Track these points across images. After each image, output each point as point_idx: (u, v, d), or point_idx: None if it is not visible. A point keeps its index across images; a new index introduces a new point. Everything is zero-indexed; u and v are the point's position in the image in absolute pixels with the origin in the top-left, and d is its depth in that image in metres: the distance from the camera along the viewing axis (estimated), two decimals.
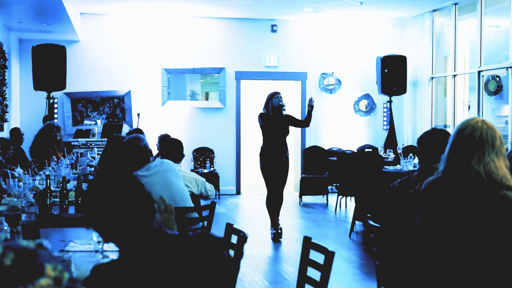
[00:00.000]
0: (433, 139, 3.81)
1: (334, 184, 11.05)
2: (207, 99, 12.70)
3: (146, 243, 2.11)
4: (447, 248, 2.92)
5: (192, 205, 5.17)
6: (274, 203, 8.24)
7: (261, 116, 8.12)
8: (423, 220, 3.10)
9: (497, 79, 12.69)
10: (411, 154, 9.17)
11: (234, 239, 3.75)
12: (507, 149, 4.56)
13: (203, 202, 5.77)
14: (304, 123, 8.52)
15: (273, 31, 12.51)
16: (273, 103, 8.00)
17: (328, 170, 11.47)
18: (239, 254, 3.53)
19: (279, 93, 8.12)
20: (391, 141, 11.63)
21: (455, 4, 10.75)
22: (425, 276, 3.03)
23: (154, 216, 2.20)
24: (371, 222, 3.79)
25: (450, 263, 2.90)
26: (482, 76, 10.34)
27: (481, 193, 2.84)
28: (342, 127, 12.77)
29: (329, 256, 3.13)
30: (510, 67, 9.36)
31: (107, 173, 2.31)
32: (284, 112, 7.99)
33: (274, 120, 8.03)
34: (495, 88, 13.51)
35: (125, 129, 11.22)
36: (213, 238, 2.19)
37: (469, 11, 10.58)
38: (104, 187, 2.17)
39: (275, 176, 8.15)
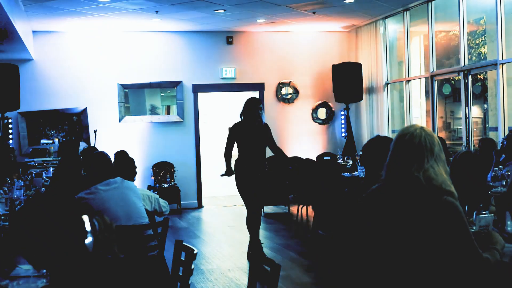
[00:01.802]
0: (377, 147, 3.83)
1: (294, 194, 11.07)
2: (168, 112, 12.62)
3: (78, 269, 2.07)
4: (389, 255, 2.93)
5: (148, 222, 5.13)
6: (254, 222, 7.61)
7: (235, 126, 7.56)
8: (366, 228, 3.11)
9: (453, 82, 12.89)
10: None
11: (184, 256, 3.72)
12: (456, 152, 4.61)
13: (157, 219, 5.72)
14: (277, 151, 7.74)
15: (229, 43, 12.53)
16: (252, 113, 7.49)
17: (288, 179, 11.49)
18: (188, 271, 3.50)
19: (261, 103, 7.66)
20: (349, 148, 11.73)
21: (406, 10, 10.90)
22: (370, 282, 3.04)
23: (86, 242, 2.15)
24: (320, 231, 3.80)
25: (392, 271, 2.91)
26: (436, 80, 10.48)
27: (422, 200, 2.86)
28: (301, 136, 12.82)
29: (275, 269, 3.10)
30: (462, 70, 9.52)
31: (41, 196, 2.26)
32: (264, 121, 7.52)
33: (250, 129, 7.46)
34: (450, 91, 13.71)
35: (82, 146, 11.07)
36: (148, 259, 2.16)
37: (420, 17, 10.74)
38: (33, 211, 2.12)
39: (250, 193, 7.52)
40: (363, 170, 9.07)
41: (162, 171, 12.00)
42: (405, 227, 2.89)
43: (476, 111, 14.28)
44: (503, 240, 3.27)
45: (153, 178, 11.87)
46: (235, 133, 7.55)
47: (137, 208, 5.01)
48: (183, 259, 3.67)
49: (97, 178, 4.99)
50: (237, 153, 7.62)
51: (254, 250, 7.49)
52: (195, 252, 3.57)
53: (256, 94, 12.69)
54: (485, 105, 11.96)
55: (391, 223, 2.93)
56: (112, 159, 7.10)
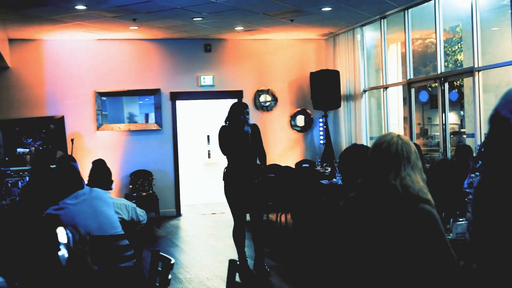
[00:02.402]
0: (353, 155, 3.83)
1: (273, 201, 11.05)
2: (147, 120, 12.55)
3: (51, 282, 2.03)
4: (366, 264, 2.93)
5: (123, 232, 5.06)
6: (241, 235, 7.23)
7: (222, 131, 7.18)
8: (345, 236, 3.11)
9: (429, 89, 13.00)
10: None
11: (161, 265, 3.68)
12: (433, 159, 4.63)
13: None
14: (260, 153, 7.49)
15: (207, 50, 12.50)
16: (237, 118, 7.12)
17: (266, 187, 11.45)
18: (165, 281, 3.46)
19: (247, 107, 7.20)
20: (327, 155, 11.75)
21: (383, 18, 10.97)
22: None
23: (59, 254, 2.11)
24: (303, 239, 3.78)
25: (369, 279, 2.91)
26: (413, 87, 10.55)
27: (399, 208, 2.86)
28: (280, 144, 12.83)
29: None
30: (439, 77, 9.59)
31: (13, 207, 2.22)
32: (249, 124, 7.12)
33: (237, 135, 7.07)
34: (428, 98, 13.81)
35: (59, 155, 10.96)
36: (122, 271, 2.12)
37: (397, 24, 10.82)
38: (4, 223, 2.08)
39: (239, 203, 7.13)
40: (340, 177, 9.10)
41: (140, 179, 11.91)
42: (382, 235, 2.89)
43: (452, 118, 14.42)
44: None
45: (131, 186, 11.78)
46: (224, 136, 7.18)
47: (108, 218, 4.92)
48: (160, 269, 3.63)
49: (66, 191, 4.90)
50: (226, 161, 7.34)
51: (241, 264, 7.08)
52: (172, 262, 3.53)
53: (234, 102, 12.66)
54: (462, 112, 12.06)
55: (368, 231, 2.93)
56: (90, 168, 7.04)
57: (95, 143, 11.86)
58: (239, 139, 7.10)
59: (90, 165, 8.19)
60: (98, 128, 11.95)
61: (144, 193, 11.49)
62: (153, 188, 11.92)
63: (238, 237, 7.23)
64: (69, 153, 11.16)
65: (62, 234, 2.23)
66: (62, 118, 11.76)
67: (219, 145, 7.25)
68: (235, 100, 12.65)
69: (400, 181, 2.89)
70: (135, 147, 12.15)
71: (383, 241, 2.88)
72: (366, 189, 3.00)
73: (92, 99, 11.93)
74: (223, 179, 7.27)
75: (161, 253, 3.81)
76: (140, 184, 11.79)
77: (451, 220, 3.57)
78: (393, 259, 2.87)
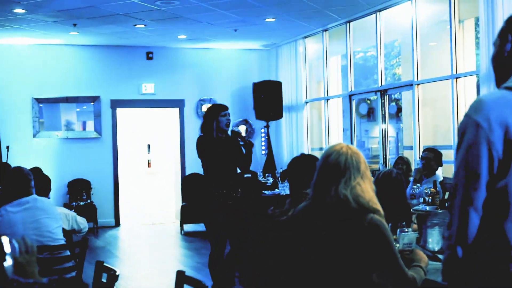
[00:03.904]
0: (301, 165, 3.84)
1: None
2: (84, 128, 12.29)
3: None
4: (319, 273, 2.92)
5: (64, 243, 4.91)
6: (218, 263, 6.30)
7: (201, 141, 6.10)
8: (295, 246, 3.09)
9: (369, 102, 13.24)
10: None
11: (105, 277, 3.58)
12: (377, 170, 4.69)
13: (76, 238, 5.51)
14: (246, 158, 6.37)
15: (149, 58, 12.36)
16: (220, 123, 6.10)
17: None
18: None
19: (226, 109, 6.17)
20: (269, 165, 11.77)
21: (325, 30, 11.11)
22: None
23: (4, 265, 2.01)
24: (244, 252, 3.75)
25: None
26: (353, 99, 10.71)
27: (349, 217, 2.87)
28: None
29: None
30: (378, 90, 9.77)
31: None
32: (229, 131, 6.19)
33: (220, 144, 6.09)
34: (367, 110, 14.07)
35: None
36: (72, 283, 2.04)
37: (339, 37, 10.96)
38: None
39: (221, 226, 6.15)
40: (284, 188, 9.12)
41: (78, 188, 11.63)
42: (333, 245, 2.89)
43: (390, 130, 14.73)
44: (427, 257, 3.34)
45: (68, 195, 11.50)
46: (203, 148, 6.13)
47: (48, 230, 4.76)
48: (104, 280, 3.53)
49: (9, 197, 4.74)
50: (204, 176, 6.37)
51: None
52: (117, 273, 3.44)
53: (176, 111, 12.58)
54: (400, 124, 12.32)
55: (320, 241, 2.93)
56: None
57: (31, 151, 11.52)
58: (229, 150, 6.16)
59: None
60: (34, 135, 11.62)
61: (82, 203, 11.22)
62: (92, 198, 11.66)
63: (216, 265, 6.33)
64: (4, 160, 10.79)
65: (7, 244, 2.13)
66: None
67: (205, 158, 6.14)
68: (177, 110, 12.55)
69: (351, 191, 2.90)
70: (73, 155, 11.87)
71: (333, 250, 2.89)
72: (316, 199, 3.00)
73: (29, 106, 11.60)
74: (208, 199, 6.16)
75: (105, 264, 3.71)
76: (78, 194, 11.51)
77: (398, 230, 3.61)
78: (342, 269, 2.87)
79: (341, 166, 2.95)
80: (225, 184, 6.12)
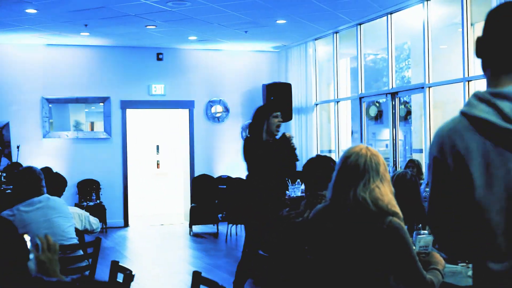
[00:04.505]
0: (317, 166, 3.83)
1: (224, 213, 11.01)
2: (92, 129, 12.32)
3: None
4: (336, 275, 2.91)
5: (77, 242, 4.92)
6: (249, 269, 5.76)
7: (249, 144, 5.58)
8: (313, 248, 3.09)
9: (377, 104, 13.22)
10: (298, 180, 9.26)
11: (120, 277, 3.58)
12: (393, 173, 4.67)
13: (88, 238, 5.52)
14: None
15: (159, 59, 12.38)
16: (271, 125, 5.66)
17: (218, 198, 11.41)
18: None
19: (276, 111, 5.73)
20: None
21: (336, 32, 11.09)
22: None
23: (28, 263, 2.01)
24: (261, 252, 3.74)
25: None
26: (363, 102, 10.69)
27: (368, 220, 2.86)
28: (231, 155, 12.76)
29: None
30: (389, 93, 9.74)
31: None
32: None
33: (269, 148, 5.61)
34: (376, 113, 14.05)
35: (4, 163, 10.64)
36: (95, 283, 2.04)
37: (349, 40, 10.95)
38: None
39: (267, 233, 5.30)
40: (294, 189, 9.10)
41: (88, 188, 11.65)
42: (351, 248, 2.88)
43: (399, 133, 14.68)
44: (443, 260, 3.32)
45: (78, 196, 11.52)
46: (251, 151, 5.64)
47: (61, 229, 4.77)
48: (119, 280, 3.53)
49: (21, 197, 4.75)
50: (248, 180, 5.89)
51: None
52: (133, 273, 3.44)
53: (185, 112, 12.58)
54: (411, 127, 12.28)
55: (337, 244, 2.92)
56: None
57: (41, 151, 11.54)
58: (280, 155, 5.67)
59: None
60: (44, 135, 11.64)
61: (91, 203, 11.24)
62: (101, 198, 11.68)
63: (246, 270, 5.92)
64: (15, 160, 10.83)
65: (29, 242, 2.13)
66: (7, 124, 11.41)
67: (253, 162, 5.64)
68: (187, 111, 12.55)
69: (370, 193, 2.89)
70: (82, 155, 11.89)
71: (352, 253, 2.88)
72: (335, 201, 2.99)
73: (39, 106, 11.63)
74: (251, 209, 5.72)
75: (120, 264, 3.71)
76: (88, 194, 11.53)
77: (414, 233, 3.59)
78: (361, 271, 2.86)
79: (360, 168, 2.94)
80: (274, 191, 5.62)
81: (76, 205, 10.94)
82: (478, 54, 1.93)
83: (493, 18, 1.88)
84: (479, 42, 1.92)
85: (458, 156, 1.82)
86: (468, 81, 8.04)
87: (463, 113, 1.85)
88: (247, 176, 5.80)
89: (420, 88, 9.11)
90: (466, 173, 1.81)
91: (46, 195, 4.84)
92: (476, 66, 8.83)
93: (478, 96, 1.85)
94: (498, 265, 1.81)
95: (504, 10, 1.86)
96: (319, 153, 11.91)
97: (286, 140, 5.72)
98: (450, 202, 1.86)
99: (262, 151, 5.52)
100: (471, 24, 8.38)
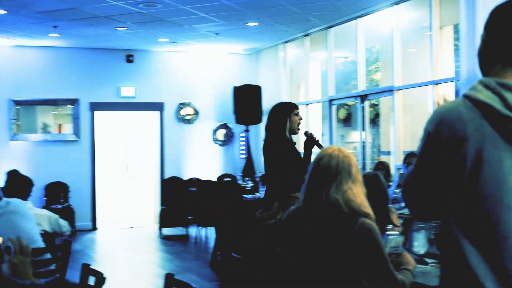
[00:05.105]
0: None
1: (194, 215, 10.97)
2: (60, 131, 12.18)
3: None
4: (310, 276, 2.93)
5: (43, 245, 4.84)
6: None
7: (283, 142, 5.13)
8: (287, 249, 3.10)
9: (347, 107, 13.31)
10: None
11: (92, 280, 3.55)
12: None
13: (57, 241, 5.45)
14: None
15: (129, 61, 12.29)
16: (292, 123, 5.25)
17: (188, 200, 11.38)
18: None
19: (296, 108, 5.32)
20: (249, 169, 11.78)
21: (306, 35, 11.15)
22: None
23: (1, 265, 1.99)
24: (234, 254, 3.75)
25: None
26: (333, 104, 10.76)
27: (341, 221, 2.88)
28: (201, 157, 12.75)
29: None
30: (359, 95, 9.83)
31: None
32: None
33: (287, 149, 5.18)
34: (345, 115, 14.15)
35: None
36: (69, 285, 2.03)
37: (320, 43, 11.02)
38: None
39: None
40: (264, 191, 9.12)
41: (56, 191, 11.51)
42: (324, 249, 2.90)
43: (367, 136, 14.79)
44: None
45: (45, 198, 11.37)
46: (284, 150, 5.17)
47: (26, 232, 4.68)
48: (91, 284, 3.50)
49: None
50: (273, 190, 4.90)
51: None
52: (104, 276, 3.41)
53: (156, 114, 12.52)
54: (380, 129, 12.39)
55: (311, 245, 2.94)
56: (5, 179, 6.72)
57: (8, 154, 11.37)
58: (292, 156, 5.20)
59: (4, 176, 7.87)
60: (12, 138, 11.48)
61: (59, 206, 11.11)
62: (69, 201, 11.55)
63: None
64: None
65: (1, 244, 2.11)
66: None
67: (282, 164, 5.08)
68: (157, 113, 12.49)
69: (342, 195, 2.91)
70: (51, 158, 11.75)
71: (324, 254, 2.90)
72: (307, 202, 3.01)
73: (6, 108, 11.46)
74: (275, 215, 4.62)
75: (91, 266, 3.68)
76: (56, 197, 11.39)
77: (385, 234, 3.63)
78: (333, 273, 2.89)
79: (333, 169, 2.96)
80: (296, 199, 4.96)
81: (44, 208, 10.80)
82: (485, 49, 1.98)
83: (502, 15, 1.94)
84: (488, 36, 1.97)
85: (454, 136, 1.86)
86: (436, 84, 8.15)
87: (466, 96, 1.90)
88: (272, 178, 5.12)
89: (389, 91, 9.20)
90: (458, 154, 1.85)
91: (5, 200, 4.71)
92: (444, 69, 8.96)
93: (484, 83, 1.90)
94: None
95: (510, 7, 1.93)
96: None
97: (312, 138, 5.34)
98: (433, 177, 1.91)
99: (293, 150, 5.18)
100: (440, 28, 8.50)
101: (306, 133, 5.29)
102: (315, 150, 4.52)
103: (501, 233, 1.83)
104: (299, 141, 6.99)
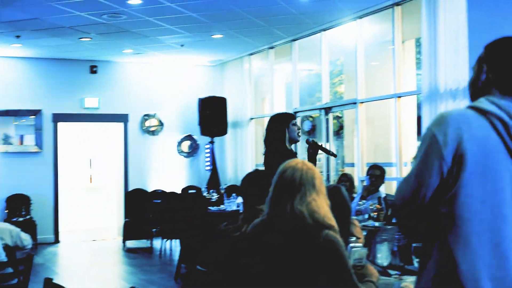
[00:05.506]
0: (255, 181, 3.84)
1: (158, 227, 10.89)
2: (22, 142, 11.99)
3: None
4: None
5: (6, 259, 4.78)
6: None
7: (283, 153, 4.93)
8: (251, 261, 3.10)
9: (311, 119, 13.40)
10: (234, 194, 9.30)
11: None
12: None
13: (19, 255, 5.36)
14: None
15: (93, 72, 12.19)
16: (292, 133, 5.14)
17: (152, 213, 11.29)
18: None
19: (294, 119, 5.26)
20: (214, 181, 11.76)
21: (271, 48, 11.22)
22: None
23: None
24: (198, 267, 3.73)
25: None
26: (298, 116, 10.82)
27: (305, 233, 2.90)
28: (166, 169, 12.68)
29: None
30: (323, 108, 9.91)
31: None
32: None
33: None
34: (310, 128, 14.24)
35: None
36: None
37: (284, 55, 11.09)
38: None
39: None
40: (230, 204, 9.12)
41: (17, 204, 11.31)
42: (288, 261, 2.91)
43: (331, 148, 14.91)
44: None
45: (6, 211, 11.17)
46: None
47: None
48: None
49: None
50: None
51: None
52: None
53: (120, 126, 12.43)
54: (344, 141, 12.51)
55: (276, 257, 2.94)
56: None
57: None
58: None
59: None
60: None
61: (21, 219, 10.92)
62: (31, 213, 11.37)
63: None
64: None
65: None
66: None
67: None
68: (121, 124, 12.39)
69: (306, 206, 2.93)
70: (12, 170, 11.55)
71: (288, 266, 2.91)
72: (272, 214, 3.02)
73: None
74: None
75: (54, 281, 3.63)
76: (17, 209, 11.19)
77: (349, 246, 3.66)
78: (297, 285, 2.89)
79: (296, 182, 2.98)
80: None
81: (5, 221, 10.60)
82: (480, 80, 2.12)
83: (498, 51, 2.11)
84: (489, 68, 2.11)
85: (460, 139, 1.96)
86: (399, 97, 8.27)
87: (471, 107, 2.02)
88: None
89: (353, 103, 9.30)
90: (461, 157, 1.94)
91: None
92: (406, 82, 9.10)
93: (488, 99, 2.04)
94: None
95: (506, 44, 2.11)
96: (255, 167, 11.97)
97: (314, 144, 5.21)
98: (433, 177, 1.98)
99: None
100: (402, 42, 8.63)
101: (307, 141, 5.22)
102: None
103: (494, 240, 1.90)
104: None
